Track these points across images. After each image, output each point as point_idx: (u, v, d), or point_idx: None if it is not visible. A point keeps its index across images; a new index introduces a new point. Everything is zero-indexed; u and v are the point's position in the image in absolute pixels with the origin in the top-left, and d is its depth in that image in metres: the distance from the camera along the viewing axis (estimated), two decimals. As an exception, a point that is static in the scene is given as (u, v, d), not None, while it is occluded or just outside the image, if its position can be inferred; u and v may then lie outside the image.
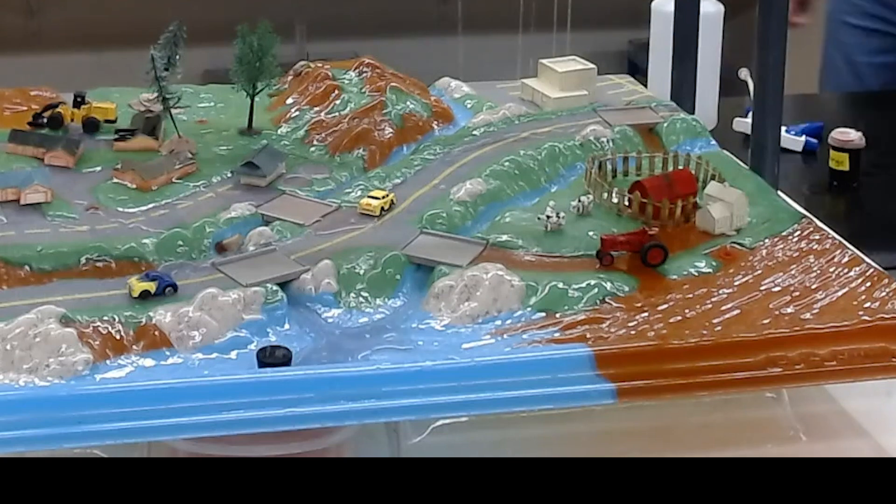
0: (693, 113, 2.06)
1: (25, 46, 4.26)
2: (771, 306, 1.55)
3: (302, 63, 2.16)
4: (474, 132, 1.97)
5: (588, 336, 1.48)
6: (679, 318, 1.52)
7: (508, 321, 1.52)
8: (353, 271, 1.58)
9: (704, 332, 1.49)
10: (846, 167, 2.75)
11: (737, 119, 2.92)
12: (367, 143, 1.91)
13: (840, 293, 1.57)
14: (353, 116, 1.96)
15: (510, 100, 2.10)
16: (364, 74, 2.09)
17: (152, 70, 1.88)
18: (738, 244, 1.69)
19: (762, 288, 1.59)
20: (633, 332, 1.49)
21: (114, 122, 1.96)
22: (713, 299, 1.56)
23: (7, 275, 1.57)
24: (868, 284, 1.59)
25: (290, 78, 2.12)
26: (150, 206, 1.74)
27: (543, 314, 1.53)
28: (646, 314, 1.52)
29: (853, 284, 1.59)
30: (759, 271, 1.62)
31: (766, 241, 1.70)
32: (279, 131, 1.98)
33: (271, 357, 1.43)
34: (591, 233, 1.69)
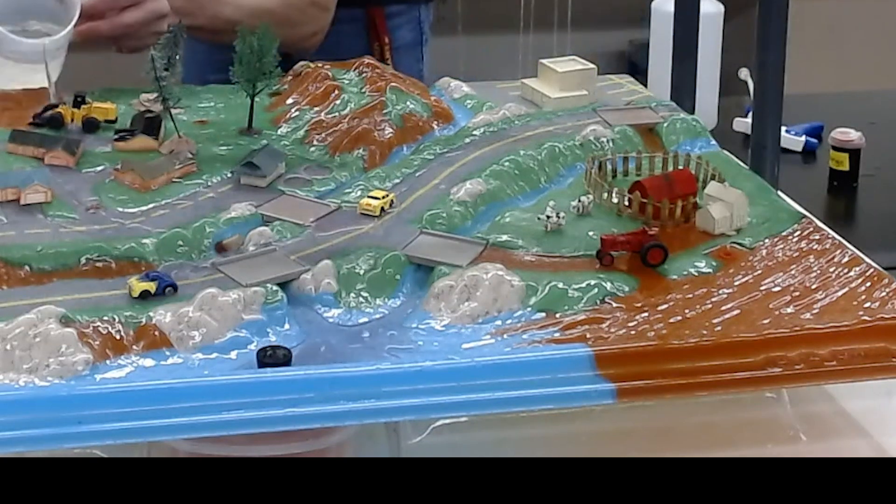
0: (693, 113, 2.06)
1: (25, 46, 4.25)
2: (771, 306, 1.55)
3: (302, 63, 2.16)
4: (474, 132, 1.96)
5: (588, 336, 1.48)
6: (679, 318, 1.52)
7: (508, 321, 1.52)
8: (353, 271, 1.58)
9: (704, 332, 1.49)
10: (846, 167, 2.76)
11: (737, 119, 2.93)
12: (367, 143, 1.91)
13: (840, 293, 1.57)
14: (353, 116, 1.96)
15: (510, 100, 2.10)
16: (364, 74, 2.09)
17: (152, 70, 1.88)
18: (738, 244, 1.69)
19: (762, 288, 1.59)
20: (633, 332, 1.49)
21: (114, 122, 1.97)
22: (713, 299, 1.56)
23: (7, 275, 1.57)
24: (868, 284, 1.59)
25: (290, 78, 2.12)
26: (150, 206, 1.74)
27: (543, 314, 1.53)
28: (646, 314, 1.52)
29: (853, 284, 1.59)
30: (759, 271, 1.62)
31: (766, 241, 1.70)
32: (279, 131, 1.98)
33: (271, 357, 1.43)
34: (591, 233, 1.69)
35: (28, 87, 2.08)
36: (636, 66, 4.10)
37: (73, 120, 1.96)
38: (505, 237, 1.68)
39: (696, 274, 1.62)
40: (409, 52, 2.64)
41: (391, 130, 1.94)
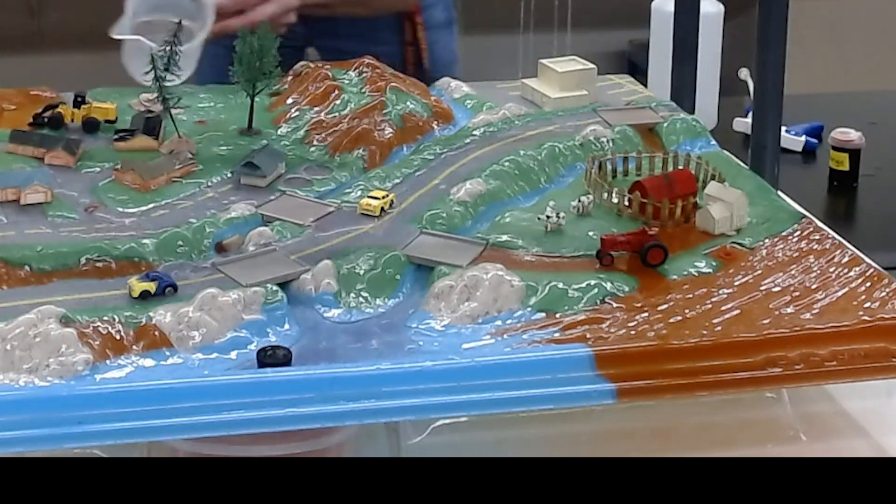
0: (693, 113, 2.06)
1: (26, 46, 4.26)
2: (771, 306, 1.55)
3: (302, 63, 2.16)
4: (474, 132, 1.96)
5: (588, 336, 1.48)
6: (679, 318, 1.52)
7: (508, 321, 1.52)
8: (353, 271, 1.58)
9: (704, 332, 1.49)
10: (846, 167, 2.75)
11: (737, 119, 2.92)
12: (367, 143, 1.91)
13: (840, 293, 1.57)
14: (353, 116, 1.96)
15: (510, 100, 2.10)
16: (364, 74, 2.09)
17: (152, 70, 1.88)
18: (738, 244, 1.69)
19: (762, 288, 1.59)
20: (633, 332, 1.49)
21: (114, 122, 1.96)
22: (713, 299, 1.56)
23: (7, 275, 1.57)
24: (868, 284, 1.59)
25: (290, 78, 2.12)
26: (150, 206, 1.74)
27: (543, 314, 1.53)
28: (646, 314, 1.52)
29: (853, 284, 1.59)
30: (759, 271, 1.62)
31: (766, 241, 1.70)
32: (279, 131, 1.98)
33: (271, 357, 1.43)
34: (591, 233, 1.69)
35: None
36: (636, 66, 4.09)
37: (73, 120, 1.96)
38: (505, 237, 1.68)
39: (696, 274, 1.62)
40: (443, 31, 2.69)
41: (391, 130, 1.94)
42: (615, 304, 1.54)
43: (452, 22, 2.73)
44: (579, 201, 1.76)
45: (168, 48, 1.89)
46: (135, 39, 1.99)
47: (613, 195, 1.77)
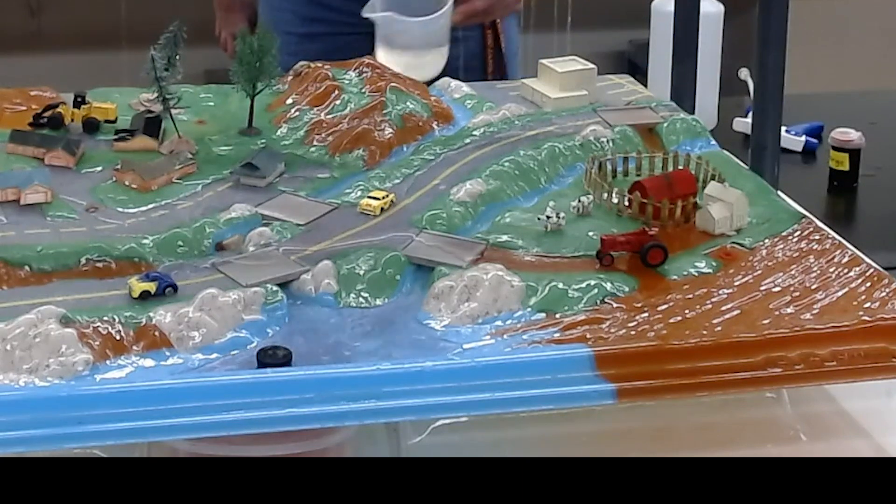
0: (693, 113, 2.06)
1: (26, 46, 4.26)
2: (771, 306, 1.55)
3: (302, 63, 2.15)
4: (474, 132, 1.96)
5: (588, 336, 1.48)
6: (679, 318, 1.52)
7: (508, 321, 1.52)
8: (353, 271, 1.58)
9: (704, 332, 1.49)
10: (846, 167, 2.75)
11: (737, 119, 2.92)
12: (367, 143, 1.91)
13: (840, 293, 1.57)
14: (353, 116, 1.96)
15: (510, 100, 2.10)
16: (364, 74, 2.09)
17: (152, 70, 1.88)
18: (738, 244, 1.69)
19: (762, 288, 1.59)
20: (633, 333, 1.49)
21: (114, 122, 1.96)
22: (713, 299, 1.56)
23: (7, 275, 1.57)
24: (868, 284, 1.59)
25: (290, 78, 2.12)
26: (150, 206, 1.74)
27: (543, 314, 1.53)
28: (646, 314, 1.52)
29: (853, 284, 1.59)
30: (759, 271, 1.63)
31: (766, 241, 1.70)
32: (279, 131, 1.97)
33: (271, 357, 1.43)
34: (591, 233, 1.69)
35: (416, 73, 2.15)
36: (636, 66, 4.09)
37: (73, 120, 1.96)
38: (505, 237, 1.68)
39: (696, 274, 1.62)
40: (512, 20, 2.78)
41: (391, 130, 1.94)
42: (615, 305, 1.54)
43: (519, 13, 2.78)
44: (579, 201, 1.76)
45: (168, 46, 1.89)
46: (386, 16, 2.01)
47: (613, 195, 1.77)
